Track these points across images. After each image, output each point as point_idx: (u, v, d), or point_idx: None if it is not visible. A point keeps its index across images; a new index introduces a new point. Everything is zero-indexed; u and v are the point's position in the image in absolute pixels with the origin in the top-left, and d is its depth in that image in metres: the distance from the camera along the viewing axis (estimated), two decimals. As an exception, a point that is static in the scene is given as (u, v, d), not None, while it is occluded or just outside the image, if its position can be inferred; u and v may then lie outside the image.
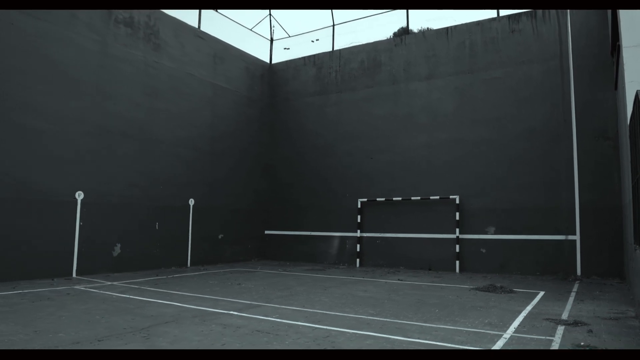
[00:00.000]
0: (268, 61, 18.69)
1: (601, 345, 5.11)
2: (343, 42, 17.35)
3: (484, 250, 13.45)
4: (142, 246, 12.82)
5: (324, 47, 17.61)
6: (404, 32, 16.17)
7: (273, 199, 17.72)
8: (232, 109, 16.45)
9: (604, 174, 12.12)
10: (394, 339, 5.44)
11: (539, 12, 13.58)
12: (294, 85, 17.89)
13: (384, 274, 12.84)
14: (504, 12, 14.17)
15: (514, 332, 5.83)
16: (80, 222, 11.28)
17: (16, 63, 10.26)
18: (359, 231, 15.55)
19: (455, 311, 7.33)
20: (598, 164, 12.23)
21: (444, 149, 14.41)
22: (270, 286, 10.10)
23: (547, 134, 12.98)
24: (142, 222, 12.87)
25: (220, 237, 15.54)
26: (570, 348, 5.04)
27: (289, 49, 18.46)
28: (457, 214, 13.79)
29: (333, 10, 17.37)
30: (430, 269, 14.01)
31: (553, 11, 13.36)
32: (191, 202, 14.44)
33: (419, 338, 5.50)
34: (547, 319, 6.66)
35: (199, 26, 15.51)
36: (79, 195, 11.32)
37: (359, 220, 15.58)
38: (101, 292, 8.86)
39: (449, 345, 5.17)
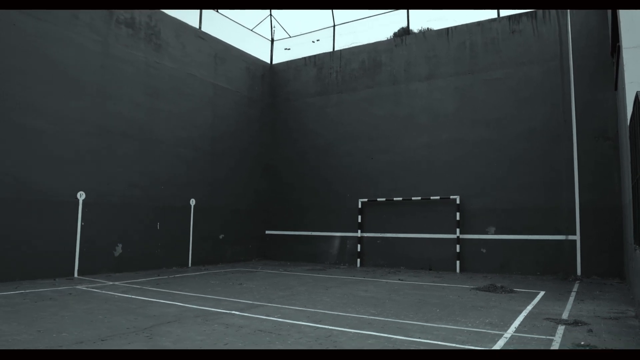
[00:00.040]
0: (269, 61, 18.73)
1: (601, 345, 5.15)
2: (344, 42, 17.42)
3: (484, 250, 13.48)
4: (143, 246, 12.85)
5: (325, 47, 17.66)
6: (405, 32, 16.20)
7: (274, 199, 17.75)
8: (233, 109, 16.48)
9: (604, 174, 12.15)
10: (395, 338, 5.47)
11: (539, 12, 13.61)
12: (295, 85, 17.93)
13: (384, 274, 12.87)
14: (504, 13, 14.20)
15: (514, 332, 5.86)
16: (81, 222, 11.31)
17: (18, 63, 10.29)
18: (359, 231, 15.59)
19: (456, 311, 7.36)
20: (598, 164, 12.26)
21: (445, 149, 14.44)
22: (272, 286, 10.13)
23: (548, 134, 13.01)
24: (143, 222, 12.90)
25: (221, 237, 15.57)
26: (571, 347, 5.07)
27: (289, 49, 18.51)
28: (458, 214, 13.82)
29: (333, 11, 17.40)
30: (430, 269, 14.04)
31: (553, 12, 13.39)
32: (192, 202, 14.47)
33: (420, 338, 5.53)
34: (547, 319, 6.70)
35: (200, 27, 15.55)
36: (81, 196, 11.35)
37: (359, 221, 15.61)
38: (103, 292, 8.89)
39: (451, 344, 5.20)
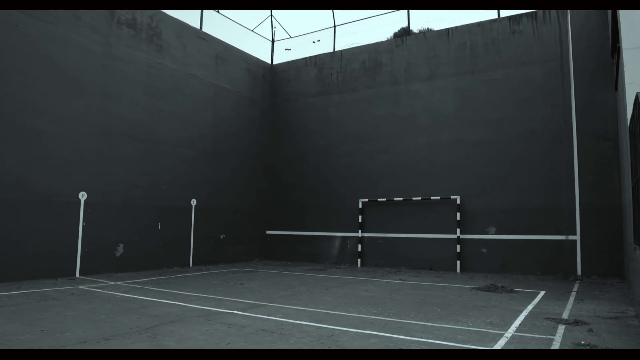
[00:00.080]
0: (269, 62, 18.76)
1: (601, 344, 5.18)
2: (344, 43, 17.48)
3: (484, 250, 13.52)
4: (144, 246, 12.89)
5: (325, 48, 17.70)
6: (405, 32, 16.24)
7: (275, 199, 17.79)
8: (234, 109, 16.52)
9: (604, 175, 12.19)
10: (397, 338, 5.51)
11: (540, 13, 13.65)
12: (296, 85, 17.96)
13: (385, 274, 12.91)
14: (504, 13, 14.24)
15: (515, 332, 5.90)
16: (83, 222, 11.35)
17: (20, 64, 10.33)
18: (360, 231, 15.62)
19: (457, 311, 7.40)
20: (598, 164, 12.30)
21: (445, 149, 14.48)
22: (273, 286, 10.17)
23: (548, 134, 13.05)
24: (144, 222, 12.94)
25: (222, 237, 15.61)
26: (571, 347, 5.11)
27: (290, 49, 18.54)
28: (458, 214, 13.86)
29: (334, 11, 17.44)
30: (431, 269, 14.07)
31: (553, 12, 13.43)
32: (193, 202, 14.51)
33: (421, 337, 5.57)
34: (548, 319, 6.73)
35: (201, 27, 15.59)
36: (82, 196, 11.39)
37: (360, 221, 15.65)
38: (105, 292, 8.93)
39: (452, 344, 5.24)
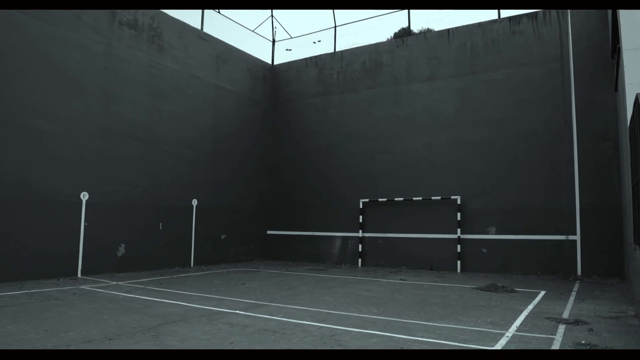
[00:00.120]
0: (270, 62, 18.80)
1: (602, 344, 5.22)
2: (345, 43, 17.48)
3: (485, 250, 13.56)
4: (146, 246, 12.93)
5: (326, 48, 17.74)
6: (405, 32, 16.28)
7: (275, 200, 17.83)
8: (235, 110, 16.56)
9: (604, 175, 12.23)
10: (398, 337, 5.55)
11: (540, 14, 13.69)
12: (296, 86, 18.00)
13: (386, 274, 12.95)
14: (504, 14, 14.28)
15: (516, 331, 5.94)
16: (85, 222, 11.39)
17: (21, 65, 10.36)
18: (360, 231, 15.66)
19: (458, 310, 7.43)
20: (598, 164, 12.34)
21: (445, 149, 14.51)
22: (274, 286, 10.21)
23: (548, 135, 13.09)
24: (145, 222, 12.98)
25: (223, 237, 15.64)
26: (572, 347, 5.15)
27: (291, 50, 18.58)
28: (459, 214, 13.90)
29: (335, 12, 17.48)
30: (431, 269, 14.11)
31: (554, 13, 13.46)
32: (194, 202, 14.55)
33: (423, 337, 5.60)
34: (548, 318, 6.77)
35: (202, 28, 15.62)
36: (84, 196, 11.42)
37: (360, 221, 15.68)
38: (107, 291, 8.97)
39: (453, 343, 5.27)
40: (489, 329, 6.09)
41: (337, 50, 17.42)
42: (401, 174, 15.19)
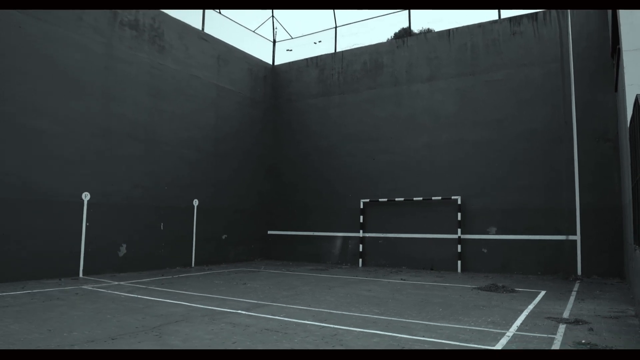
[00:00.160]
0: (271, 63, 18.83)
1: (602, 343, 5.25)
2: (345, 44, 17.53)
3: (485, 250, 13.59)
4: (147, 246, 12.96)
5: (327, 48, 17.78)
6: (405, 32, 16.31)
7: (276, 200, 17.86)
8: (236, 110, 16.60)
9: (604, 175, 12.26)
10: (400, 337, 5.58)
11: (540, 14, 13.72)
12: (297, 86, 18.03)
13: (386, 274, 12.98)
14: (505, 15, 14.31)
15: (516, 331, 5.97)
16: (86, 222, 11.42)
17: (23, 65, 10.39)
18: (361, 231, 15.69)
19: (459, 310, 7.46)
20: (598, 165, 12.37)
21: (446, 149, 14.55)
22: (275, 286, 10.24)
23: (548, 135, 13.12)
24: (147, 222, 13.01)
25: (224, 237, 15.68)
26: (572, 346, 5.18)
27: (291, 50, 18.61)
28: (459, 214, 13.93)
29: (335, 13, 17.51)
30: (432, 269, 14.15)
31: (554, 14, 13.50)
32: (195, 202, 14.58)
33: (424, 336, 5.63)
34: (548, 318, 6.80)
35: (203, 28, 15.65)
36: (86, 196, 11.45)
37: (361, 221, 15.72)
38: (109, 291, 8.99)
39: (454, 343, 5.30)
40: (489, 328, 6.12)
41: (337, 50, 17.45)
42: (402, 174, 15.22)
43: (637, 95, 5.71)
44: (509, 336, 5.67)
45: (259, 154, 17.55)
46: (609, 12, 11.37)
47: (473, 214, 13.89)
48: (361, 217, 15.72)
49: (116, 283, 10.21)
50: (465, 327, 6.20)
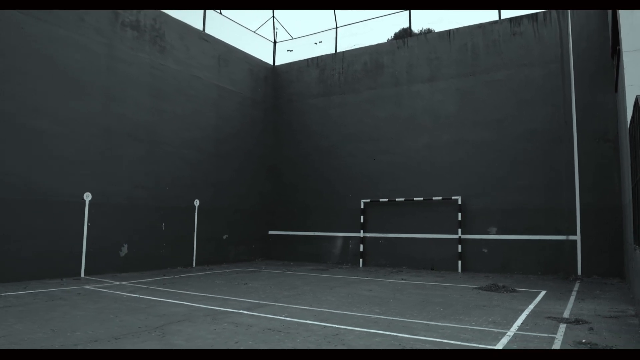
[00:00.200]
0: (271, 63, 18.86)
1: (602, 343, 5.28)
2: (346, 44, 17.54)
3: (485, 250, 13.62)
4: (148, 246, 13.00)
5: (327, 49, 17.81)
6: (405, 32, 16.35)
7: (277, 200, 17.90)
8: (237, 110, 16.63)
9: (604, 175, 12.30)
10: (401, 336, 5.61)
11: (540, 15, 13.75)
12: (298, 87, 18.06)
13: (387, 274, 13.01)
14: (505, 15, 14.35)
15: (517, 330, 6.00)
16: (88, 223, 11.45)
17: (24, 66, 10.41)
18: (362, 231, 15.73)
19: (460, 310, 7.50)
20: (598, 165, 12.40)
21: (446, 150, 14.58)
22: (277, 286, 10.27)
23: (548, 135, 13.15)
24: (148, 223, 13.04)
25: (225, 237, 15.71)
26: (573, 345, 5.21)
27: (292, 50, 18.65)
28: (459, 214, 13.96)
29: (336, 13, 17.54)
30: (432, 269, 14.18)
31: (554, 14, 13.53)
32: (196, 203, 14.61)
33: (425, 336, 5.67)
34: (549, 317, 6.84)
35: (204, 29, 15.69)
36: (87, 197, 11.49)
37: (362, 221, 15.75)
38: (111, 291, 9.03)
39: (455, 342, 5.34)
40: (490, 328, 6.15)
41: (338, 51, 17.48)
42: (402, 174, 15.26)
43: (637, 96, 5.74)
44: (509, 336, 5.71)
45: (260, 154, 17.58)
46: (609, 12, 11.40)
47: (473, 214, 13.92)
48: (362, 217, 15.75)
49: (118, 283, 10.24)
50: (466, 326, 6.24)
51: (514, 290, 9.65)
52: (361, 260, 15.58)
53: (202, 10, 15.75)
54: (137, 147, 12.91)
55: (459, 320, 6.63)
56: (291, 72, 18.32)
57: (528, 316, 6.98)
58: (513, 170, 13.48)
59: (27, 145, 10.36)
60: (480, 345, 5.22)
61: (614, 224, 11.84)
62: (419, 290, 9.74)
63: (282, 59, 18.84)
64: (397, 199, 15.11)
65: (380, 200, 15.43)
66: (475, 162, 14.07)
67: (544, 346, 5.20)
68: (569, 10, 13.26)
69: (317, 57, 17.75)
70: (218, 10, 16.30)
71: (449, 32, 15.09)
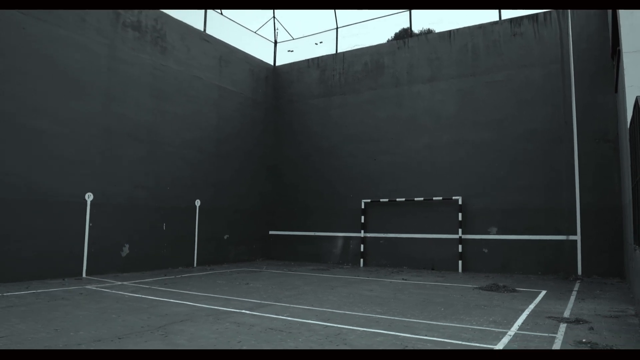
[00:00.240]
0: (272, 63, 18.89)
1: (602, 342, 5.31)
2: (346, 44, 17.57)
3: (486, 250, 13.65)
4: (149, 247, 13.03)
5: (328, 49, 17.84)
6: (405, 33, 16.38)
7: (278, 200, 17.93)
8: (237, 111, 16.66)
9: (604, 176, 12.33)
10: (403, 336, 5.64)
11: (540, 15, 13.78)
12: (298, 87, 18.09)
13: (388, 274, 13.04)
14: (505, 16, 14.37)
15: (518, 330, 6.03)
16: (89, 223, 11.48)
17: (25, 66, 10.44)
18: (362, 231, 15.76)
19: (460, 310, 7.53)
20: (598, 165, 12.44)
21: (447, 150, 14.61)
22: (278, 286, 10.30)
23: (548, 135, 13.19)
24: (149, 223, 13.07)
25: (225, 237, 15.74)
26: (573, 345, 5.24)
27: (292, 51, 18.68)
28: (460, 214, 13.99)
29: (336, 13, 17.56)
30: (433, 269, 14.21)
31: (554, 15, 13.56)
32: (197, 203, 14.64)
33: (426, 335, 5.70)
34: (549, 317, 6.87)
35: (205, 29, 15.72)
36: (89, 197, 11.52)
37: (362, 221, 15.78)
38: (113, 291, 9.06)
39: (457, 342, 5.37)
40: (491, 327, 6.18)
41: (338, 51, 17.51)
42: (402, 174, 15.29)
43: (637, 96, 5.77)
44: (510, 335, 5.74)
45: (260, 155, 17.61)
46: (609, 13, 11.43)
47: (474, 214, 13.95)
48: (362, 217, 15.78)
49: (119, 283, 10.27)
50: (467, 326, 6.27)
51: (514, 290, 9.68)
52: (362, 260, 15.61)
53: (202, 11, 15.78)
54: (138, 148, 12.94)
55: (460, 320, 6.66)
56: (292, 72, 18.35)
57: (528, 316, 7.01)
58: (513, 171, 13.52)
59: (28, 145, 10.39)
60: (481, 345, 5.25)
61: (614, 224, 11.88)
62: (419, 290, 9.77)
63: (283, 59, 18.89)
64: (397, 199, 15.14)
65: (381, 200, 15.46)
66: (476, 162, 14.10)
67: (544, 346, 5.23)
68: (569, 11, 13.29)
69: (317, 58, 17.78)
70: (219, 11, 16.34)
71: (449, 33, 15.13)
